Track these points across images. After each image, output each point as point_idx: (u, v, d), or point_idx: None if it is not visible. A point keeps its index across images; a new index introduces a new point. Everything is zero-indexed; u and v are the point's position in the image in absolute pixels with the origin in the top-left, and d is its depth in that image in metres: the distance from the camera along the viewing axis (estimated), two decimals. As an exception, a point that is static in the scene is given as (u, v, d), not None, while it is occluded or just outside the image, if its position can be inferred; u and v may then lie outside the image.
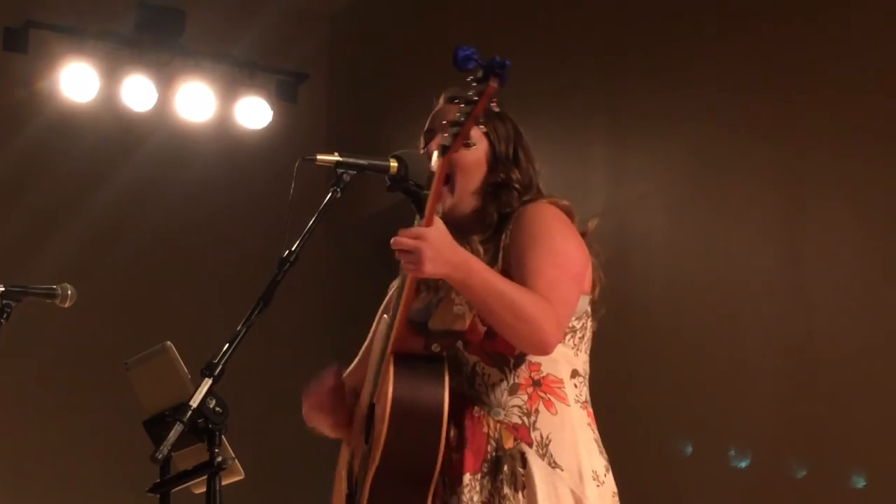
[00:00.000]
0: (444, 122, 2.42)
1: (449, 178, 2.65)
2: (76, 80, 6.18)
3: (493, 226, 2.62)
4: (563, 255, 2.52)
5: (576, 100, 5.42)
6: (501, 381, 2.53)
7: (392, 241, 2.38)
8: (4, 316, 3.35)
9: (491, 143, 2.69)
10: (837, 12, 4.48)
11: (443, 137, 2.39)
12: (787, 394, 4.46)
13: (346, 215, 6.32)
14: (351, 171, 2.59)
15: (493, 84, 2.25)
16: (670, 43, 5.07)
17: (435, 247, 2.36)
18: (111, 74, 6.30)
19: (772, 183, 4.64)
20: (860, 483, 4.18)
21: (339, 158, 2.59)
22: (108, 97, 6.32)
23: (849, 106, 4.38)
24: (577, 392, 2.58)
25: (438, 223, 2.40)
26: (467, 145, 2.39)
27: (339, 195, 2.59)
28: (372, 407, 2.60)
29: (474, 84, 2.28)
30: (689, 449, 4.73)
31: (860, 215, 4.33)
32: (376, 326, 2.83)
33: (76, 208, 6.40)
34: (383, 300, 2.88)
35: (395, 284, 2.79)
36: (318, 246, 5.20)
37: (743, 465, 4.56)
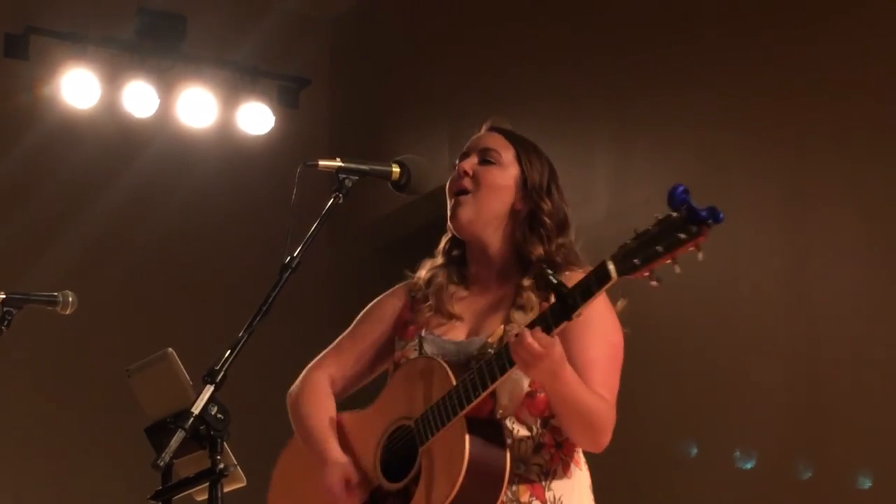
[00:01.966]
0: (622, 246, 2.25)
1: (474, 192, 2.68)
2: (77, 87, 6.17)
3: (536, 271, 2.60)
4: (614, 347, 2.57)
5: (579, 104, 5.40)
6: (528, 438, 2.56)
7: (523, 335, 2.34)
8: (6, 323, 3.35)
9: (522, 171, 2.70)
10: (841, 14, 4.47)
11: (623, 254, 2.22)
12: (792, 397, 4.45)
13: (348, 221, 6.31)
14: (353, 177, 2.59)
15: (704, 237, 2.12)
16: (674, 46, 5.06)
17: (552, 363, 2.36)
18: (112, 80, 6.29)
19: (776, 186, 4.62)
20: (866, 486, 4.16)
21: (340, 164, 2.59)
22: (110, 103, 6.30)
23: (853, 108, 4.37)
24: (583, 455, 2.64)
25: (559, 343, 2.38)
26: (650, 277, 2.21)
27: (341, 201, 2.58)
28: (408, 446, 2.58)
29: (682, 222, 2.13)
30: (694, 453, 4.71)
31: (865, 218, 4.31)
32: (372, 321, 2.82)
33: (78, 215, 6.38)
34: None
35: (412, 293, 2.78)
36: (320, 252, 5.19)
37: (748, 468, 4.53)
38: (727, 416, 4.63)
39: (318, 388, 2.83)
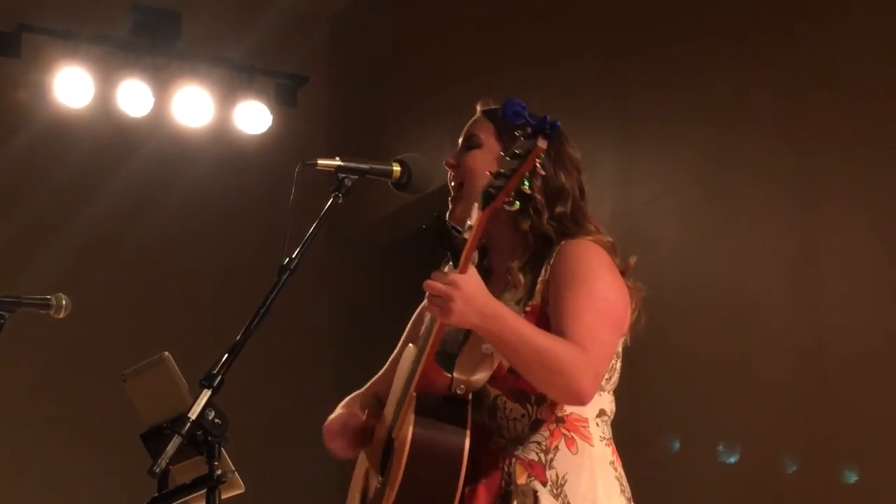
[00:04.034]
0: (488, 172, 2.32)
1: (462, 186, 2.64)
2: (70, 85, 6.14)
3: (531, 249, 2.56)
4: (604, 300, 2.46)
5: (583, 102, 5.39)
6: (523, 416, 2.48)
7: (424, 283, 2.32)
8: (-3, 327, 3.30)
9: (504, 146, 2.61)
10: (851, 14, 4.45)
11: (484, 187, 2.29)
12: (800, 399, 4.44)
13: (347, 221, 6.29)
14: (352, 176, 2.56)
15: (542, 145, 2.17)
16: (679, 44, 5.05)
17: (465, 298, 2.29)
18: (106, 79, 6.25)
19: (783, 185, 4.62)
20: (875, 485, 4.15)
21: (340, 163, 2.56)
22: (104, 102, 6.27)
23: (862, 107, 4.35)
24: (601, 431, 2.53)
25: (472, 273, 2.33)
26: (510, 203, 2.28)
27: (340, 201, 2.55)
28: (390, 438, 2.54)
29: (522, 139, 2.19)
30: (701, 455, 4.70)
31: (873, 218, 4.30)
32: (407, 336, 2.79)
33: (71, 216, 6.36)
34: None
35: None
36: (319, 253, 5.12)
37: (752, 465, 4.53)
38: (735, 416, 4.62)
39: (349, 402, 2.82)
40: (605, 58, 5.38)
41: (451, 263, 2.35)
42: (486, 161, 2.62)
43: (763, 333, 4.57)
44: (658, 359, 4.66)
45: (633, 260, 2.59)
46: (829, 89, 4.46)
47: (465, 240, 2.31)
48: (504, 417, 2.47)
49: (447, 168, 2.67)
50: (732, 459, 4.58)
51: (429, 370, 2.41)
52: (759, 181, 4.69)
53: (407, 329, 2.83)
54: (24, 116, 6.32)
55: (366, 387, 2.85)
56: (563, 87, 5.48)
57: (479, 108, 2.74)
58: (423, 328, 2.56)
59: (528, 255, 2.56)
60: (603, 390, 2.53)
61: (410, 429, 2.36)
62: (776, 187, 4.65)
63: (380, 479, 2.57)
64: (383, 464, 2.56)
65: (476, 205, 2.30)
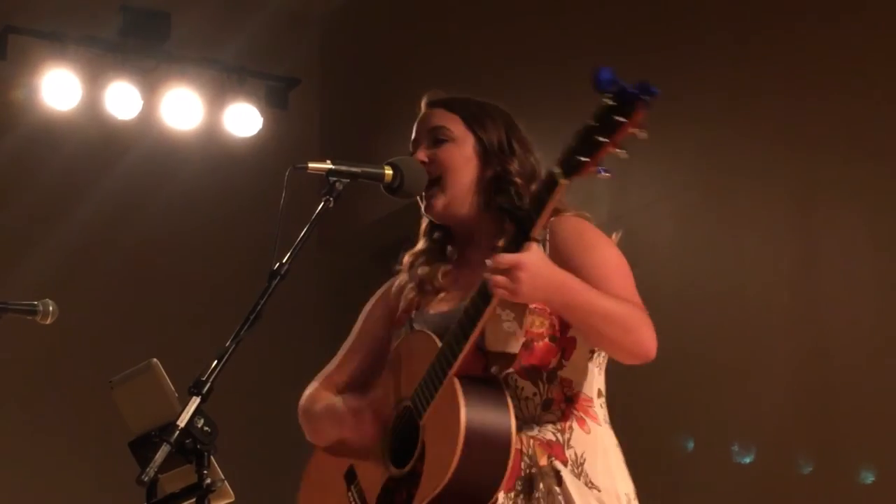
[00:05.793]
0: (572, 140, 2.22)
1: (440, 180, 2.62)
2: (58, 88, 6.12)
3: (512, 230, 2.51)
4: (623, 264, 2.49)
5: (578, 104, 5.35)
6: (535, 395, 2.46)
7: (494, 258, 2.27)
8: (-17, 333, 3.27)
9: (478, 138, 2.63)
10: (850, 14, 4.45)
11: (567, 156, 2.21)
12: (800, 402, 4.44)
13: (339, 225, 6.26)
14: (344, 180, 2.54)
15: (641, 114, 2.11)
16: (677, 45, 5.04)
17: (533, 272, 2.26)
18: (94, 81, 6.23)
19: (782, 188, 4.62)
20: (876, 492, 4.15)
21: (331, 166, 2.54)
22: (91, 105, 6.24)
23: (862, 109, 4.35)
24: (604, 412, 2.53)
25: (535, 247, 2.30)
26: (598, 172, 2.22)
27: (331, 205, 2.53)
28: (409, 426, 2.48)
29: (612, 105, 2.13)
30: (699, 457, 4.70)
31: (873, 220, 4.30)
32: (367, 322, 2.78)
33: (58, 220, 6.34)
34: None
35: (397, 282, 2.74)
36: (309, 257, 5.09)
37: (754, 472, 4.52)
38: (734, 421, 4.61)
39: (323, 392, 2.79)
40: (601, 59, 5.35)
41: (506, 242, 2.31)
42: (462, 153, 2.62)
43: (763, 336, 4.57)
44: (656, 363, 4.65)
45: (616, 237, 2.58)
46: (828, 91, 4.46)
47: (527, 213, 2.26)
48: (516, 397, 2.44)
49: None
50: (728, 463, 4.57)
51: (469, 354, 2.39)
52: (758, 183, 4.70)
53: (358, 320, 2.82)
54: (10, 119, 6.30)
55: (323, 379, 2.82)
56: (557, 88, 5.46)
57: (426, 100, 2.73)
58: (452, 310, 2.53)
59: (510, 236, 2.51)
60: (601, 369, 2.54)
61: (462, 413, 2.32)
62: (775, 189, 4.65)
63: (392, 469, 2.52)
64: (398, 454, 2.51)
65: (556, 172, 2.22)
